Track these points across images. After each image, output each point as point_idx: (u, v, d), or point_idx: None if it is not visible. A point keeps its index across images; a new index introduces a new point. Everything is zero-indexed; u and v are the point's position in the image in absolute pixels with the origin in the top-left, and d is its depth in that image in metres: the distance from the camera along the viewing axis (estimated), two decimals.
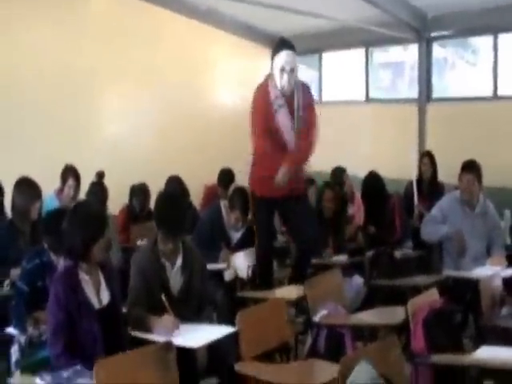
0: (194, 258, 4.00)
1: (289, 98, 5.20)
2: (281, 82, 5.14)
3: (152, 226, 5.97)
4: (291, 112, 5.19)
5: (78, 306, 3.28)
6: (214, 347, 3.56)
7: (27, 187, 4.94)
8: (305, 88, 5.34)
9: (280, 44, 5.27)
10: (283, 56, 5.15)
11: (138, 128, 9.57)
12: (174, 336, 3.50)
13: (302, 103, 5.20)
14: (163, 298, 3.68)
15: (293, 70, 5.14)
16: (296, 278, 5.21)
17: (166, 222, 3.86)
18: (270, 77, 5.25)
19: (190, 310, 3.84)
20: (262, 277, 5.26)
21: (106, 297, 3.47)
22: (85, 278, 3.38)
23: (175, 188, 6.34)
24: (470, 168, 5.56)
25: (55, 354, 3.23)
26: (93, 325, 3.30)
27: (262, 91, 5.24)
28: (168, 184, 6.59)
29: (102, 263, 3.49)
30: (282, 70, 5.12)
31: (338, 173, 6.93)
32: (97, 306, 3.40)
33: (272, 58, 5.23)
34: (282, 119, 5.14)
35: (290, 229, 5.57)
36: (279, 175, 5.03)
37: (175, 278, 3.91)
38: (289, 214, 5.38)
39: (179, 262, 3.93)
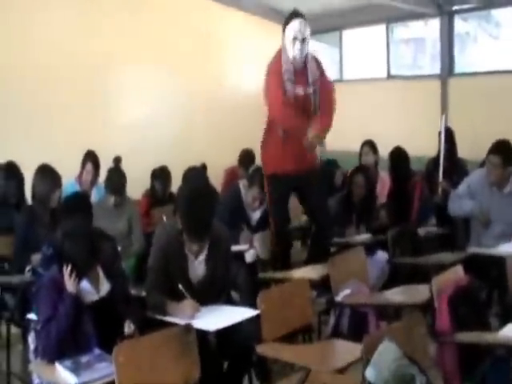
0: (220, 248, 3.89)
1: (301, 70, 5.14)
2: (293, 51, 5.06)
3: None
4: (304, 84, 5.13)
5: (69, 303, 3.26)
6: (231, 330, 3.50)
7: (48, 175, 4.96)
8: (316, 60, 5.27)
9: (291, 14, 5.19)
10: (295, 24, 5.07)
11: (156, 111, 9.56)
12: (195, 319, 3.47)
13: (314, 75, 5.14)
14: (180, 287, 3.65)
15: (305, 40, 5.06)
16: (314, 258, 5.17)
17: (192, 227, 3.69)
18: (281, 51, 5.18)
19: (211, 298, 3.78)
20: (279, 257, 5.23)
21: (105, 287, 3.44)
22: None
23: (200, 184, 6.23)
24: (497, 150, 5.35)
25: (45, 346, 3.21)
26: (83, 320, 3.26)
27: (275, 66, 5.17)
28: (189, 176, 6.50)
29: (100, 257, 3.45)
30: (295, 38, 5.04)
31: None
32: (95, 297, 3.38)
33: (283, 30, 5.15)
34: (291, 92, 5.07)
35: (307, 207, 5.54)
36: (310, 136, 4.95)
37: (197, 268, 3.84)
38: (304, 190, 5.34)
39: (203, 255, 3.83)
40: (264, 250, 5.19)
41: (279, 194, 5.30)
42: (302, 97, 5.14)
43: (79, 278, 3.30)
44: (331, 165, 7.24)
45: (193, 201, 3.76)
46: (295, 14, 5.16)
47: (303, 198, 5.50)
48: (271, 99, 5.18)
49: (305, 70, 5.15)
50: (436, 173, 6.52)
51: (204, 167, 6.69)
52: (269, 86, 5.20)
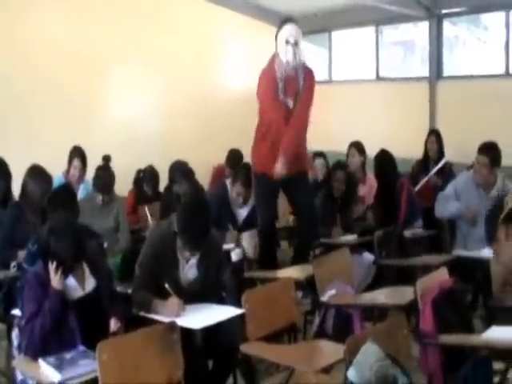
0: (212, 252, 3.88)
1: (293, 78, 5.17)
2: (286, 55, 5.11)
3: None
4: (293, 91, 5.16)
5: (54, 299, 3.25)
6: (216, 330, 3.52)
7: (40, 176, 4.97)
8: (308, 72, 5.33)
9: (283, 20, 5.30)
10: (287, 28, 5.17)
11: (144, 110, 9.54)
12: (179, 317, 3.48)
13: (302, 85, 5.21)
14: (167, 286, 3.66)
15: (297, 43, 5.11)
16: (299, 259, 5.20)
17: (189, 238, 3.68)
18: (274, 56, 5.22)
19: (200, 301, 3.77)
20: (265, 256, 5.25)
21: (90, 284, 3.44)
22: None
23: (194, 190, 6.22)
24: (485, 150, 5.45)
25: (29, 342, 3.20)
26: (68, 316, 3.26)
27: (269, 69, 5.22)
28: (174, 171, 6.50)
29: (86, 254, 3.44)
30: (287, 42, 5.12)
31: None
32: (80, 293, 3.38)
33: (276, 36, 5.21)
34: (285, 100, 5.16)
35: (294, 205, 5.59)
36: (278, 167, 5.12)
37: (188, 271, 3.84)
38: (291, 191, 5.39)
39: (195, 258, 3.82)
40: (252, 249, 5.20)
41: (267, 193, 5.35)
42: (291, 108, 5.22)
43: (65, 274, 3.29)
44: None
45: (191, 209, 3.77)
46: (287, 20, 5.24)
47: (290, 197, 5.54)
48: (263, 102, 5.27)
49: (296, 78, 5.19)
50: (422, 175, 6.58)
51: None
52: (260, 90, 5.28)
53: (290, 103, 5.23)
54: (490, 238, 5.08)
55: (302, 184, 5.41)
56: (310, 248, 5.43)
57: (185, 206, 3.83)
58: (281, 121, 5.19)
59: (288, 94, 5.21)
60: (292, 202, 5.60)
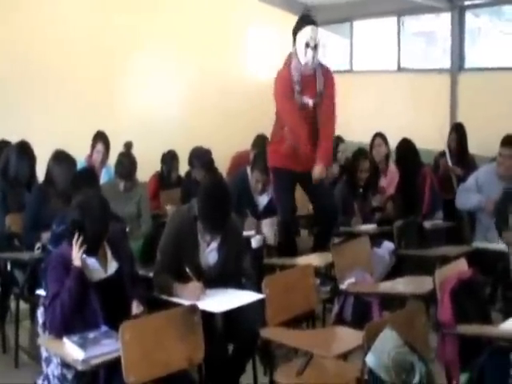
0: (233, 237, 3.92)
1: (310, 78, 5.17)
2: (305, 58, 5.11)
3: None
4: (312, 91, 5.18)
5: (73, 277, 3.28)
6: (237, 314, 3.56)
7: (65, 161, 5.03)
8: (325, 71, 5.33)
9: (303, 19, 5.26)
10: (308, 31, 5.13)
11: (168, 97, 9.60)
12: (200, 301, 3.52)
13: (323, 86, 5.21)
14: (188, 270, 3.70)
15: (316, 47, 5.12)
16: (319, 247, 5.23)
17: (210, 220, 3.73)
18: (292, 56, 5.23)
19: (220, 285, 3.80)
20: (285, 246, 5.29)
21: (113, 266, 3.47)
22: None
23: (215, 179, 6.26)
24: (509, 143, 5.45)
25: (52, 320, 3.25)
26: (91, 297, 3.30)
27: (284, 70, 5.25)
28: (192, 157, 6.53)
29: (108, 237, 3.47)
30: (307, 45, 5.10)
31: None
32: (102, 275, 3.42)
33: (294, 34, 5.19)
34: (298, 100, 5.18)
35: (311, 196, 5.61)
36: (316, 173, 5.16)
37: (209, 255, 3.89)
38: (308, 183, 5.40)
39: (215, 243, 3.87)
40: (272, 236, 5.23)
41: (283, 184, 5.37)
42: (311, 107, 5.22)
43: (88, 253, 3.34)
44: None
45: (212, 192, 3.80)
46: (306, 20, 5.20)
47: (307, 188, 5.57)
48: (278, 104, 5.30)
49: (314, 78, 5.20)
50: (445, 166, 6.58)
51: (209, 152, 6.74)
52: (276, 91, 5.29)
53: (309, 102, 5.23)
54: (500, 228, 5.13)
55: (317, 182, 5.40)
56: (329, 236, 5.46)
57: (205, 190, 3.85)
58: (296, 122, 5.19)
59: (305, 94, 5.22)
60: (309, 192, 5.62)
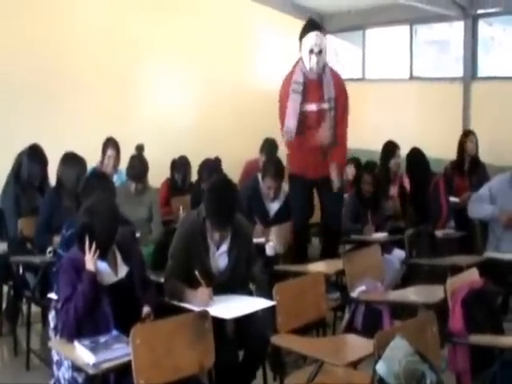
0: (242, 240, 3.94)
1: (315, 82, 5.19)
2: (310, 63, 5.17)
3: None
4: (317, 95, 5.20)
5: (86, 282, 3.28)
6: (248, 321, 3.56)
7: (74, 162, 5.05)
8: (335, 74, 5.37)
9: (308, 25, 5.31)
10: (312, 37, 5.20)
11: (181, 102, 9.63)
12: (210, 306, 3.52)
13: (333, 88, 5.24)
14: (197, 273, 3.70)
15: (321, 52, 5.16)
16: (326, 255, 5.25)
17: (215, 215, 3.76)
18: (298, 63, 5.30)
19: (230, 290, 3.82)
20: (296, 253, 5.28)
21: (123, 270, 3.48)
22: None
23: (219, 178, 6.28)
24: None
25: (64, 324, 3.26)
26: (102, 301, 3.31)
27: (289, 75, 5.35)
28: (202, 169, 6.54)
29: (118, 240, 3.48)
30: (311, 51, 5.16)
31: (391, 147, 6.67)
32: (113, 279, 3.42)
33: (300, 39, 5.26)
34: (294, 104, 5.22)
35: (322, 208, 5.66)
36: (335, 177, 5.28)
37: (219, 259, 3.90)
38: (323, 192, 5.48)
39: (225, 246, 3.89)
40: (279, 244, 5.22)
41: (299, 193, 5.41)
42: (315, 112, 5.24)
43: (99, 256, 3.34)
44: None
45: (217, 187, 3.87)
46: (311, 27, 5.25)
47: (321, 197, 5.63)
48: (281, 107, 5.36)
49: (319, 83, 5.22)
50: (456, 175, 6.54)
51: (218, 160, 6.75)
52: (280, 96, 5.38)
53: (313, 107, 5.27)
54: None
55: (331, 191, 5.48)
56: (335, 244, 5.48)
57: (211, 187, 3.94)
58: (298, 126, 5.25)
59: (310, 99, 5.27)
60: (321, 201, 5.66)
